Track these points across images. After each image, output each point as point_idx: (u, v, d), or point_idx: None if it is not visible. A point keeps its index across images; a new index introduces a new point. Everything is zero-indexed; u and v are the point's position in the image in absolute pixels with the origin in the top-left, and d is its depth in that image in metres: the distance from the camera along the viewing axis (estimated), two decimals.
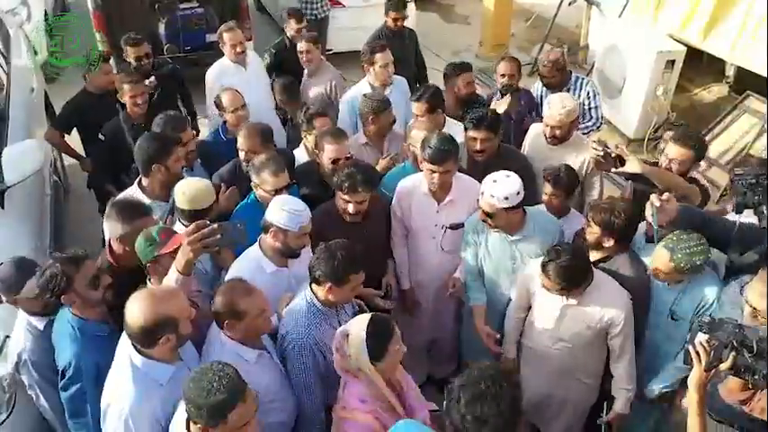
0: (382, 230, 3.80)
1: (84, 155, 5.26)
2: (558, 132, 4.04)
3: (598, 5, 8.12)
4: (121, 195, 3.64)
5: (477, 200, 3.32)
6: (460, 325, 3.99)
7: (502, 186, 3.19)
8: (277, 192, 3.34)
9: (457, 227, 3.64)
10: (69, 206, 5.87)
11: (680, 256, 2.91)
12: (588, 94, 4.87)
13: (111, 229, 3.09)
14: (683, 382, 2.66)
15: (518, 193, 3.21)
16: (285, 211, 3.00)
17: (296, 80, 5.42)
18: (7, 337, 3.20)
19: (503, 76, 4.87)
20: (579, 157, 4.05)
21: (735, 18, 6.22)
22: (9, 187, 4.11)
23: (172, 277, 2.65)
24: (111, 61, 7.02)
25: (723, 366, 2.16)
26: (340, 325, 2.88)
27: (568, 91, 4.80)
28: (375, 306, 3.33)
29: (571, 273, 2.97)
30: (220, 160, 4.04)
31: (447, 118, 4.38)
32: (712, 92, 7.54)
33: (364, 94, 4.36)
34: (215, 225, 2.66)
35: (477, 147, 3.82)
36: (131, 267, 3.01)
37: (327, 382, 2.85)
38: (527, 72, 6.60)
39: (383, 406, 2.56)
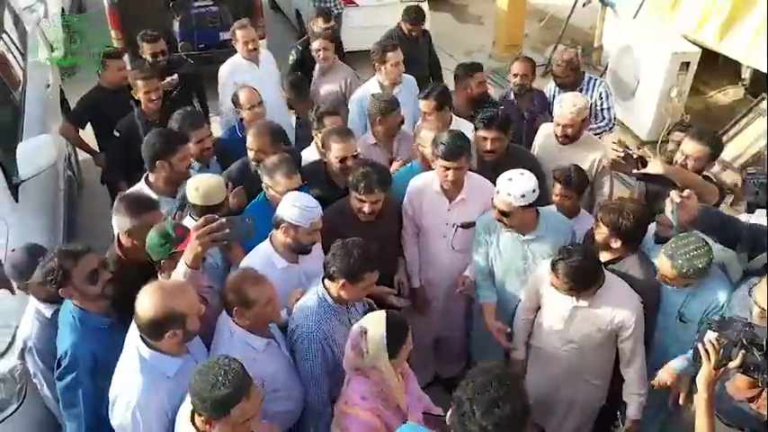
0: (394, 229, 3.81)
1: (97, 150, 5.31)
2: (569, 131, 4.03)
3: (613, 6, 8.08)
4: (129, 191, 3.67)
5: (492, 199, 3.31)
6: (470, 323, 3.98)
7: (518, 184, 3.19)
8: None
9: (468, 226, 3.64)
10: (83, 201, 5.93)
11: (680, 261, 2.88)
12: (601, 94, 4.86)
13: (120, 222, 3.11)
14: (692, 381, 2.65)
15: (534, 190, 3.22)
16: (296, 207, 3.02)
17: (305, 78, 5.44)
18: (17, 327, 3.24)
19: (515, 75, 4.86)
20: (589, 157, 4.04)
21: (751, 19, 6.17)
22: (23, 181, 4.16)
23: (180, 271, 2.67)
24: (126, 58, 7.18)
25: (732, 364, 2.15)
26: (350, 322, 2.91)
27: (581, 91, 4.78)
28: (389, 304, 3.34)
29: (580, 273, 2.96)
30: (236, 157, 4.04)
31: (454, 116, 4.38)
32: (728, 94, 7.48)
33: (372, 95, 4.36)
34: (223, 219, 2.68)
35: (488, 146, 3.81)
36: (140, 261, 3.04)
37: (334, 378, 2.87)
38: (541, 73, 6.58)
39: (384, 404, 2.59)
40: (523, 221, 3.33)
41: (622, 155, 3.45)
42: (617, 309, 3.07)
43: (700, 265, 2.87)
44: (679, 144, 4.05)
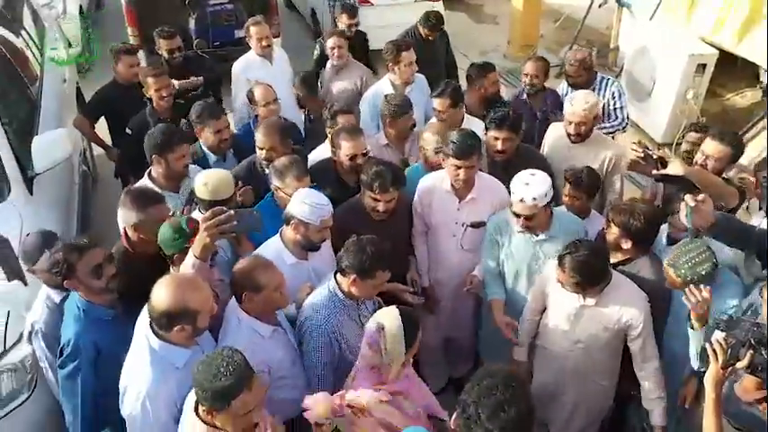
0: (406, 228, 3.81)
1: (110, 144, 5.35)
2: (582, 129, 4.01)
3: (629, 7, 8.01)
4: (134, 186, 3.69)
5: (510, 207, 3.30)
6: (479, 321, 3.97)
7: (536, 186, 3.19)
8: None
9: (478, 225, 3.63)
10: (97, 195, 5.99)
11: (683, 271, 2.85)
12: (613, 94, 4.84)
13: (126, 216, 3.14)
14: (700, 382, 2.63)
15: (551, 186, 3.23)
16: (307, 204, 3.03)
17: (315, 74, 5.45)
18: None
19: (527, 75, 4.85)
20: (600, 155, 4.03)
21: None
22: (38, 174, 4.22)
23: (189, 262, 2.70)
24: (142, 54, 7.25)
25: (740, 365, 2.14)
26: (360, 319, 2.95)
27: (593, 91, 4.73)
28: (404, 301, 3.35)
29: (587, 268, 2.93)
30: (251, 152, 4.04)
31: (466, 115, 4.38)
32: (746, 97, 7.39)
33: (385, 96, 4.34)
34: (231, 211, 2.70)
35: (499, 146, 3.79)
36: (147, 253, 3.08)
37: (339, 373, 2.88)
38: (555, 73, 6.54)
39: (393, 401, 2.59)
40: (543, 221, 3.33)
41: (642, 155, 3.43)
42: (624, 308, 3.05)
43: (703, 272, 2.83)
44: (694, 144, 4.02)
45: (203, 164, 4.04)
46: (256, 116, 4.53)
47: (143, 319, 2.58)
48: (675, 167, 3.32)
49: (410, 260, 3.89)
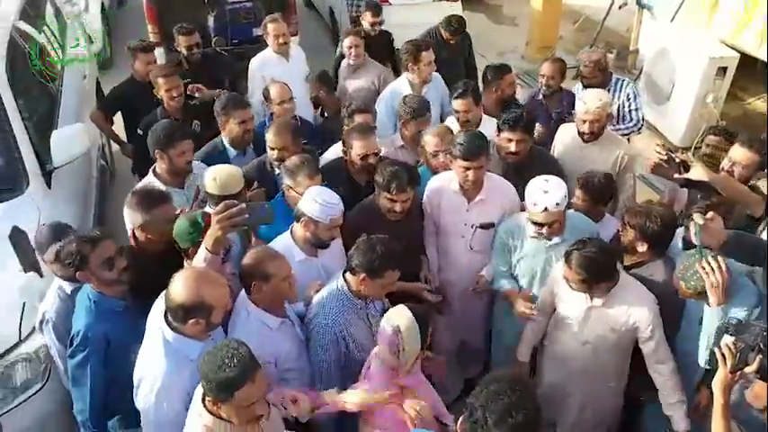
0: (419, 227, 3.81)
1: (126, 141, 5.40)
2: (596, 127, 3.99)
3: (650, 9, 7.94)
4: (140, 184, 3.75)
5: (529, 219, 3.28)
6: (490, 320, 3.94)
7: (555, 191, 3.17)
8: None
9: (487, 226, 3.61)
10: (114, 190, 6.04)
11: (693, 283, 2.81)
12: (628, 95, 4.82)
13: (132, 217, 3.16)
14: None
15: (566, 188, 3.23)
16: (318, 202, 3.05)
17: (335, 72, 5.46)
18: None
19: (543, 76, 4.86)
20: (613, 154, 4.02)
21: None
22: (56, 168, 4.27)
23: (201, 256, 2.72)
24: (162, 51, 7.32)
25: (749, 369, 2.11)
26: (368, 319, 2.97)
27: (608, 92, 4.72)
28: (419, 301, 3.38)
29: (594, 265, 2.91)
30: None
31: (483, 115, 4.38)
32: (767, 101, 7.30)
33: (404, 97, 4.34)
34: (243, 204, 2.73)
35: (512, 148, 3.77)
36: (156, 252, 3.13)
37: (346, 372, 2.90)
38: (572, 75, 6.49)
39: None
40: (561, 224, 3.31)
41: (665, 158, 3.40)
42: (631, 310, 3.03)
43: None
44: (714, 148, 3.97)
45: (223, 159, 4.06)
46: (272, 114, 4.55)
47: (156, 312, 2.61)
48: (698, 172, 3.29)
49: (422, 260, 3.88)
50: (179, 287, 2.43)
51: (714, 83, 6.46)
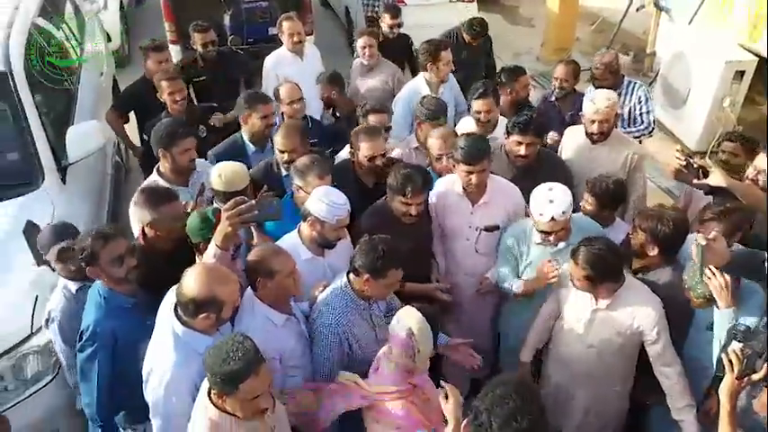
0: (430, 230, 3.80)
1: (140, 139, 5.43)
2: (605, 127, 3.97)
3: (668, 11, 7.86)
4: (146, 182, 3.78)
5: (536, 228, 3.29)
6: (498, 322, 3.93)
7: (560, 199, 3.16)
8: None
9: (492, 229, 3.61)
10: (129, 186, 6.09)
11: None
12: (640, 98, 4.79)
13: (141, 215, 3.19)
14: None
15: (571, 194, 3.22)
16: (324, 202, 3.06)
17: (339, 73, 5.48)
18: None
19: (557, 79, 4.86)
20: (622, 154, 4.01)
21: None
22: (71, 164, 4.33)
23: (211, 252, 2.76)
24: (177, 49, 7.39)
25: (756, 376, 2.09)
26: (372, 319, 2.98)
27: (620, 95, 4.75)
28: (437, 299, 3.44)
29: (600, 262, 2.89)
30: None
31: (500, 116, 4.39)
32: None
33: (421, 99, 4.33)
34: (252, 201, 2.76)
35: (522, 151, 3.75)
36: (165, 249, 3.17)
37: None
38: (587, 78, 6.45)
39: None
40: (568, 229, 3.31)
41: (684, 163, 3.38)
42: (636, 313, 3.01)
43: None
44: (730, 154, 3.92)
45: (242, 154, 4.11)
46: (282, 113, 4.57)
47: (166, 307, 2.65)
48: (716, 178, 3.27)
49: (433, 262, 3.89)
50: (191, 282, 2.47)
51: (731, 87, 6.38)
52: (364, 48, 5.44)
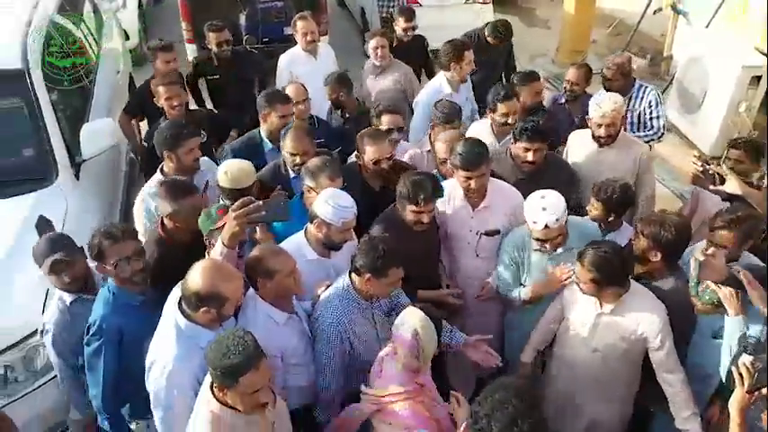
0: (438, 235, 3.79)
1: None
2: (612, 130, 3.96)
3: (685, 15, 7.79)
4: (148, 183, 3.85)
5: (533, 237, 3.28)
6: (504, 320, 3.91)
7: (554, 206, 3.16)
8: None
9: (492, 233, 3.60)
10: (143, 183, 6.16)
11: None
12: (650, 102, 4.76)
13: (162, 207, 3.27)
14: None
15: (563, 199, 3.21)
16: (330, 205, 3.06)
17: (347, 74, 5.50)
18: None
19: (568, 82, 4.86)
20: (630, 156, 4.00)
21: None
22: (85, 160, 4.40)
23: (218, 250, 2.80)
24: (193, 48, 7.46)
25: (766, 390, 2.07)
26: (373, 318, 3.01)
27: (630, 98, 4.73)
28: (448, 304, 3.47)
29: (606, 265, 2.88)
30: None
31: None
32: None
33: (436, 103, 4.32)
34: (260, 201, 2.79)
35: (530, 157, 3.74)
36: (183, 241, 3.22)
37: (348, 372, 2.95)
38: (599, 81, 6.41)
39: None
40: (564, 234, 3.31)
41: (701, 169, 3.37)
42: (641, 319, 3.00)
43: None
44: (736, 162, 3.87)
45: (258, 150, 4.15)
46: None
47: (171, 300, 2.70)
48: (732, 185, 3.27)
49: (440, 266, 3.89)
50: (196, 276, 2.52)
51: (747, 92, 6.32)
52: (376, 48, 5.45)
